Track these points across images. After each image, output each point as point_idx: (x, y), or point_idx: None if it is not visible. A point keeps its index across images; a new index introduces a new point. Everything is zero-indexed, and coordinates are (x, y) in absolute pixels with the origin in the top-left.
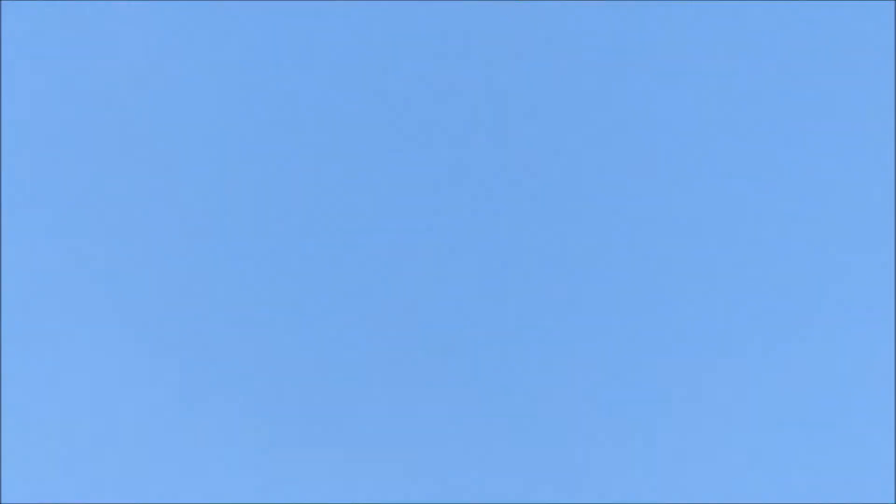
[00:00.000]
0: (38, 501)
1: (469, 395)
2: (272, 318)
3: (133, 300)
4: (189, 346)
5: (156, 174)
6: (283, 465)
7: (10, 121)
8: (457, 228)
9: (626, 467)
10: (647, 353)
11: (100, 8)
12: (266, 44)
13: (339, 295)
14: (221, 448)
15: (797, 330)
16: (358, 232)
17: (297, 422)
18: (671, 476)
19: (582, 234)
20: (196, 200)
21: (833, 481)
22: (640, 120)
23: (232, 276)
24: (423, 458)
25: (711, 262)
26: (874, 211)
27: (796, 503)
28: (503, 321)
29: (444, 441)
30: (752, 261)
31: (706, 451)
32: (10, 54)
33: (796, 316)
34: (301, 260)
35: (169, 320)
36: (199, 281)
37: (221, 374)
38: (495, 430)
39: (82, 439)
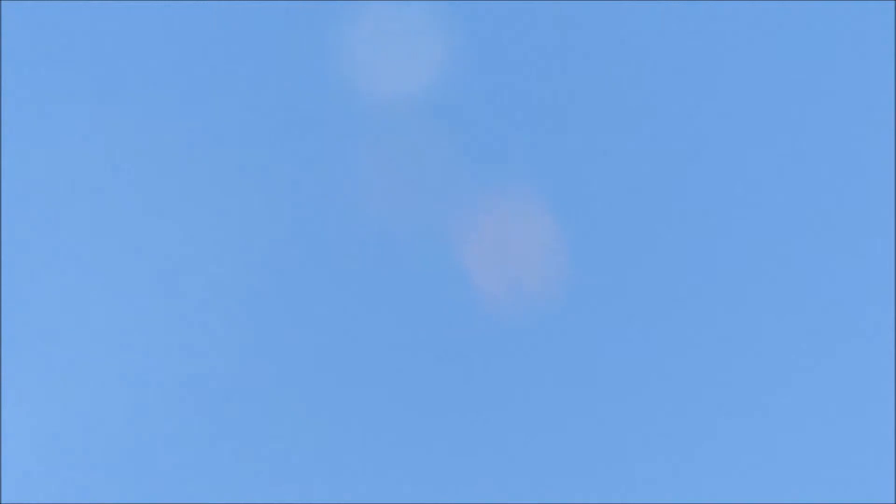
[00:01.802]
0: (39, 502)
1: (471, 397)
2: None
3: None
4: (190, 351)
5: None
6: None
7: (10, 120)
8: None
9: (627, 467)
10: (646, 350)
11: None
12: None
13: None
14: (221, 450)
15: (797, 329)
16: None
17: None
18: (671, 475)
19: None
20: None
21: (833, 481)
22: (639, 120)
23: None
24: (425, 458)
25: (712, 263)
26: (874, 211)
27: (796, 503)
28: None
29: (446, 442)
30: (752, 262)
31: (706, 450)
32: (10, 54)
33: (797, 315)
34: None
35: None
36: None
37: (222, 373)
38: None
39: (82, 439)
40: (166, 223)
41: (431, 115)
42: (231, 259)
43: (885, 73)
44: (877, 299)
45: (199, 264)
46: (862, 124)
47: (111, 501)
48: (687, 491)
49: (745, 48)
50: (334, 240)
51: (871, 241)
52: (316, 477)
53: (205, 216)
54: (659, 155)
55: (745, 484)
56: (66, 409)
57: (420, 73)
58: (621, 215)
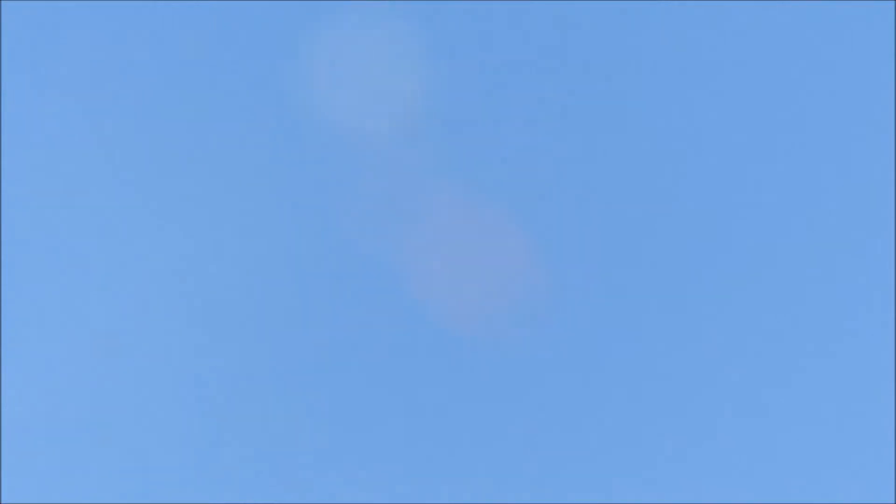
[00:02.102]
0: (39, 501)
1: (473, 397)
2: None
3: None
4: (192, 349)
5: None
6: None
7: (10, 124)
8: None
9: (628, 468)
10: (647, 350)
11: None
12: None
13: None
14: (222, 449)
15: (798, 329)
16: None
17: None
18: (671, 475)
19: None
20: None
21: (833, 481)
22: (638, 121)
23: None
24: (426, 458)
25: (711, 264)
26: (874, 211)
27: (796, 503)
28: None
29: (448, 442)
30: (752, 263)
31: (706, 450)
32: (10, 55)
33: (798, 315)
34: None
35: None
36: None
37: (223, 375)
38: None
39: (82, 439)
40: (140, 239)
41: (406, 131)
42: (199, 270)
43: (886, 73)
44: (877, 299)
45: (171, 274)
46: (862, 124)
47: (111, 501)
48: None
49: (740, 52)
50: (312, 260)
51: (871, 241)
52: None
53: (174, 229)
54: (642, 174)
55: (744, 486)
56: (67, 409)
57: (396, 87)
58: (605, 234)
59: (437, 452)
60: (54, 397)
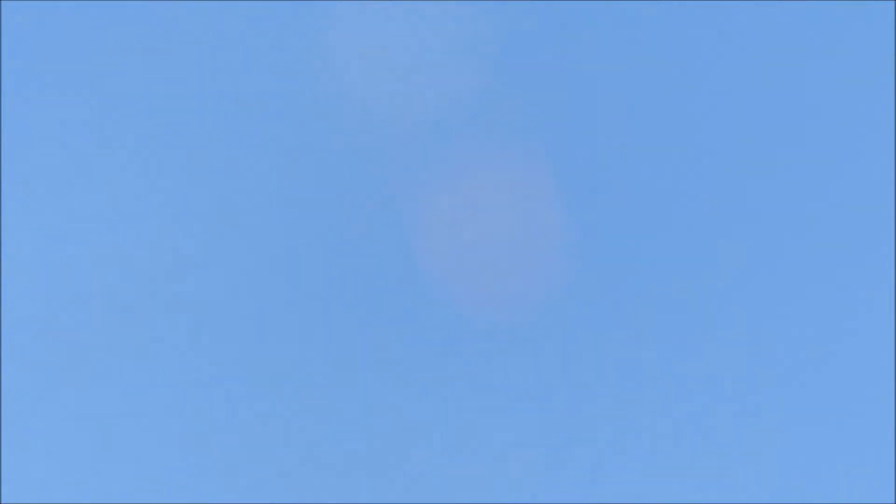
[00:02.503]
0: (39, 501)
1: (475, 395)
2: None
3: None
4: (195, 348)
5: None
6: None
7: (10, 120)
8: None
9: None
10: (647, 348)
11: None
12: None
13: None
14: (223, 449)
15: (798, 329)
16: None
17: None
18: (671, 475)
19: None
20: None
21: (833, 481)
22: (636, 121)
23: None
24: (428, 456)
25: (711, 264)
26: (874, 212)
27: (796, 503)
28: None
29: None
30: (751, 263)
31: (706, 450)
32: (10, 54)
33: (797, 314)
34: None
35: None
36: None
37: (224, 375)
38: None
39: (82, 439)
40: (155, 219)
41: (429, 120)
42: (218, 259)
43: (886, 73)
44: (877, 299)
45: (184, 260)
46: (862, 125)
47: (111, 501)
48: (685, 493)
49: (765, 49)
50: (331, 239)
51: (872, 242)
52: (301, 477)
53: (196, 214)
54: (665, 156)
55: (744, 484)
56: (67, 408)
57: (419, 74)
58: (627, 217)
59: (448, 444)
60: (54, 397)
